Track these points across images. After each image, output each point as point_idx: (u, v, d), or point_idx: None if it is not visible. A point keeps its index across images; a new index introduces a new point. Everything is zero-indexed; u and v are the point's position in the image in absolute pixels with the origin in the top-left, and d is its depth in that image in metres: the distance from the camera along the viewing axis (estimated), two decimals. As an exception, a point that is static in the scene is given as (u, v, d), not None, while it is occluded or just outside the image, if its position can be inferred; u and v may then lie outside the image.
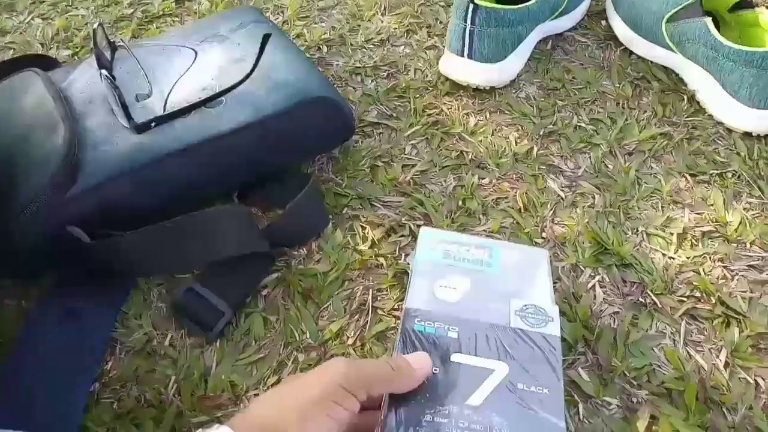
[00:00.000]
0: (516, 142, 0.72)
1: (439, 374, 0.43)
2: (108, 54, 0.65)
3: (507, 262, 0.52)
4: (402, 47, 0.84)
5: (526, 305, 0.48)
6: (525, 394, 0.42)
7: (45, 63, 0.72)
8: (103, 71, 0.58)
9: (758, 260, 0.60)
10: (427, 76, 0.80)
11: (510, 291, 0.50)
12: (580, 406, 0.51)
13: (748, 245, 0.62)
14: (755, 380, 0.52)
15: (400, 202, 0.66)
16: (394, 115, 0.75)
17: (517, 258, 0.53)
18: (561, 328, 0.48)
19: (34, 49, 0.85)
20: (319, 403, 0.37)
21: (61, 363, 0.52)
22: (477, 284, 0.50)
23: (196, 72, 0.64)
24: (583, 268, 0.60)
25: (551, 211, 0.65)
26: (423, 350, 0.44)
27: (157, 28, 0.88)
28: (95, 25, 0.63)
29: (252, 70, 0.62)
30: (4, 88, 0.63)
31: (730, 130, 0.72)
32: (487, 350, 0.45)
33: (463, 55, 0.74)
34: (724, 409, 0.51)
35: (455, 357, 0.44)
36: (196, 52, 0.67)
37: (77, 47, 0.85)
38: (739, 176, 0.68)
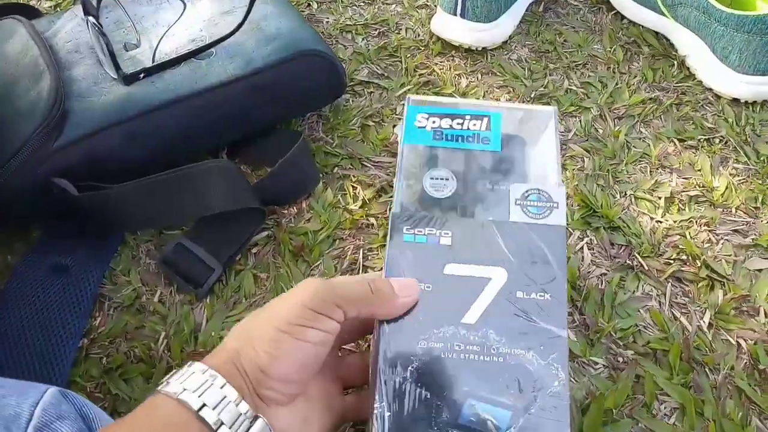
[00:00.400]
0: (507, 104, 0.71)
1: (432, 291, 0.40)
2: (94, 2, 0.63)
3: (508, 131, 0.47)
4: (393, 5, 0.83)
5: (527, 191, 0.44)
6: (524, 302, 0.39)
7: (26, 12, 0.69)
8: (90, 18, 0.57)
9: (743, 225, 0.61)
10: (418, 35, 0.79)
11: (511, 169, 0.45)
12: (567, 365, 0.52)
13: (733, 210, 0.62)
14: (737, 341, 0.53)
15: (390, 162, 0.65)
16: (385, 74, 0.74)
17: (520, 123, 0.47)
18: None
19: (13, -2, 0.82)
20: (285, 329, 0.35)
21: (48, 318, 0.52)
22: (472, 168, 0.45)
23: (185, 23, 0.63)
24: (571, 230, 0.60)
25: (541, 174, 0.65)
26: (413, 263, 0.41)
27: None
28: (79, -28, 0.61)
29: (243, 22, 0.60)
30: (-15, 36, 0.61)
31: (718, 96, 0.72)
32: (484, 254, 0.41)
33: (455, 14, 0.73)
34: (706, 369, 0.52)
35: (449, 268, 0.41)
36: (184, 4, 0.65)
37: (58, -3, 0.82)
38: (726, 142, 0.68)
